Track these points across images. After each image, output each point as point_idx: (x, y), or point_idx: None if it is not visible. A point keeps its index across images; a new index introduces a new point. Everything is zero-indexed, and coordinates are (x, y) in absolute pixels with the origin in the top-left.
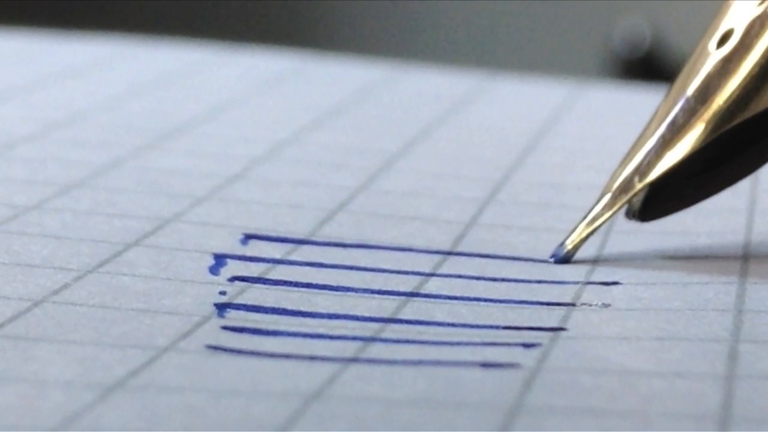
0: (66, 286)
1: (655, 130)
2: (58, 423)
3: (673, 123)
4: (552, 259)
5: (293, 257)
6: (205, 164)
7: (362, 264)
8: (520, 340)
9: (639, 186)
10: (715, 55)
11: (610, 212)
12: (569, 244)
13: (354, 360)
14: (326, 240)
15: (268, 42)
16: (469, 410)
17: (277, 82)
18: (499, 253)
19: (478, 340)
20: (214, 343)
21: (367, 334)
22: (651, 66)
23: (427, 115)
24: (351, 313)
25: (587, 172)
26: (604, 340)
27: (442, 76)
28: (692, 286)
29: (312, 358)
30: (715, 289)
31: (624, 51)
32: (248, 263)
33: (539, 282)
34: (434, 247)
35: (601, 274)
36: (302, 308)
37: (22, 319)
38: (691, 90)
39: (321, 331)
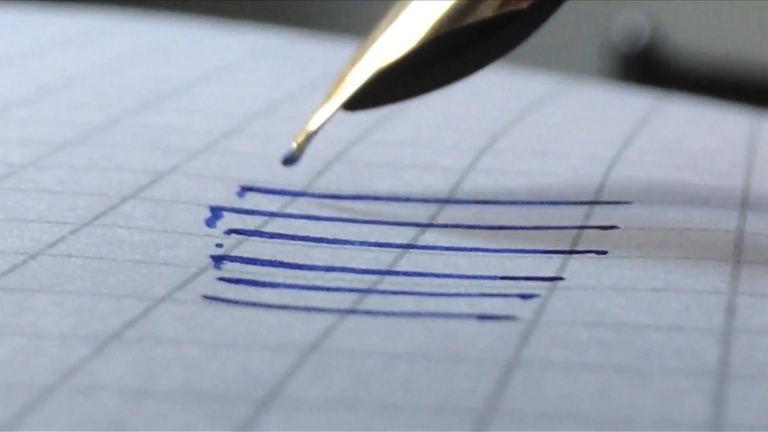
0: (62, 239)
1: (382, 30)
2: (55, 379)
3: (397, 25)
4: (283, 161)
5: (290, 210)
6: (200, 120)
7: (359, 216)
8: (518, 291)
9: (356, 81)
10: None
11: (331, 105)
12: (295, 146)
13: (351, 311)
14: (323, 192)
15: (265, 20)
16: (466, 364)
17: (272, 53)
18: (497, 198)
19: (475, 291)
20: (210, 293)
21: (364, 286)
22: (650, 61)
23: None
24: (348, 265)
25: (587, 130)
26: (601, 291)
27: None
28: (690, 232)
29: (309, 309)
30: (713, 236)
31: (623, 46)
32: (244, 216)
33: (536, 228)
34: (432, 196)
35: (599, 217)
36: (299, 261)
37: (17, 271)
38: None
39: (318, 283)
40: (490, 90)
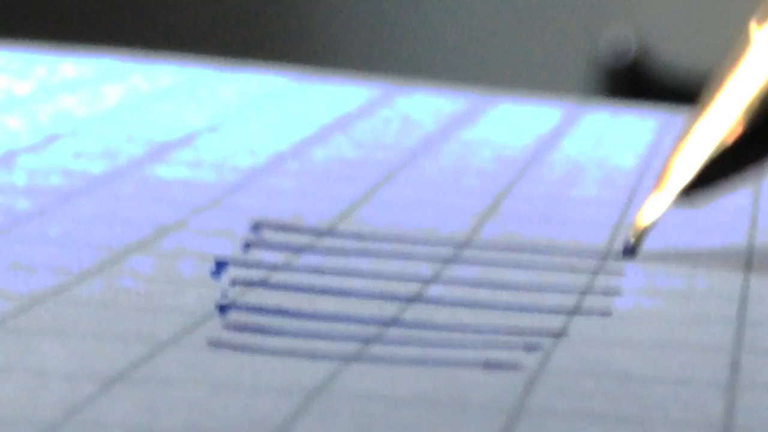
0: (67, 286)
1: (697, 123)
2: (60, 416)
3: (716, 108)
4: (622, 252)
5: (294, 264)
6: (206, 174)
7: (364, 270)
8: (522, 343)
9: (690, 177)
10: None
11: (668, 203)
12: (632, 237)
13: (356, 358)
14: (327, 248)
15: (270, 58)
16: (471, 411)
17: (278, 96)
18: (501, 260)
19: (479, 342)
20: (216, 339)
21: (369, 335)
22: (637, 75)
23: (426, 131)
24: (353, 315)
25: (587, 186)
26: (605, 346)
27: (437, 95)
28: (695, 296)
29: (314, 355)
30: (717, 299)
31: (610, 61)
32: (250, 269)
33: (541, 290)
34: (436, 256)
35: (603, 282)
36: (304, 310)
37: (23, 315)
38: (729, 87)
39: (323, 331)
40: (486, 143)
